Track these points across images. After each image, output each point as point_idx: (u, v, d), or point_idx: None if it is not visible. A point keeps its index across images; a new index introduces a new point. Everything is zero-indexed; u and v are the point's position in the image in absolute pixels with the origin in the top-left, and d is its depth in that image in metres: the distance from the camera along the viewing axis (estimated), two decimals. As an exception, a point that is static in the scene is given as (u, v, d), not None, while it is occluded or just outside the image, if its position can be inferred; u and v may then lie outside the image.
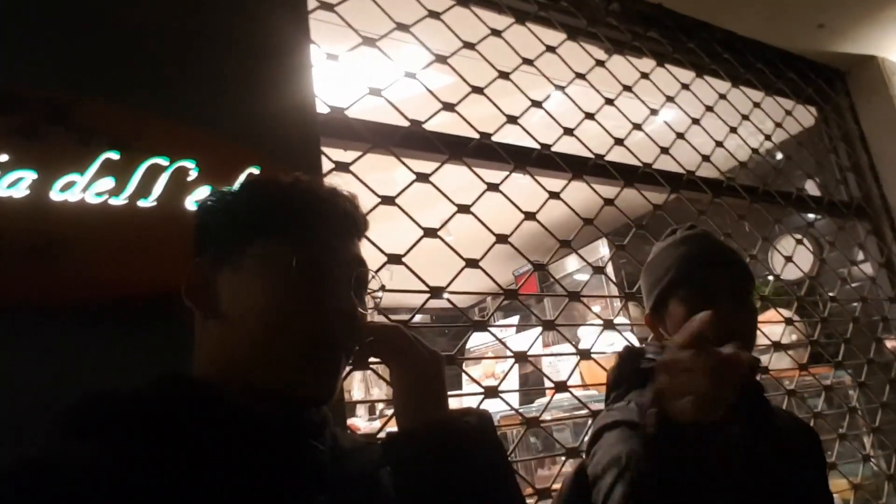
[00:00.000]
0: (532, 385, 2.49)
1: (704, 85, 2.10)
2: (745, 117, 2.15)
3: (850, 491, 1.78)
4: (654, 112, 1.89)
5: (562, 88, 1.70)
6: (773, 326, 1.98)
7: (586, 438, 1.02)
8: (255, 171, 0.99)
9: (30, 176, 0.83)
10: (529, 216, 1.50)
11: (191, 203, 0.94)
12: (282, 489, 0.58)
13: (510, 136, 1.55)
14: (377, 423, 2.81)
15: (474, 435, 0.66)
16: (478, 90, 1.52)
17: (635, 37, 1.98)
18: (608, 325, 1.58)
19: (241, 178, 0.97)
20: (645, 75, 1.93)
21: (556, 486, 1.17)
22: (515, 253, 1.45)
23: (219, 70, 1.10)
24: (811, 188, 2.40)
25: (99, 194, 0.88)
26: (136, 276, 0.89)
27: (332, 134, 1.26)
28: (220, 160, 0.99)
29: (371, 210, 1.02)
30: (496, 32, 1.62)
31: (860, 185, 2.47)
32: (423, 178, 1.36)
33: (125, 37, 1.03)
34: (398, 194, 1.30)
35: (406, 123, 1.38)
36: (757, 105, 2.20)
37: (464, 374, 1.48)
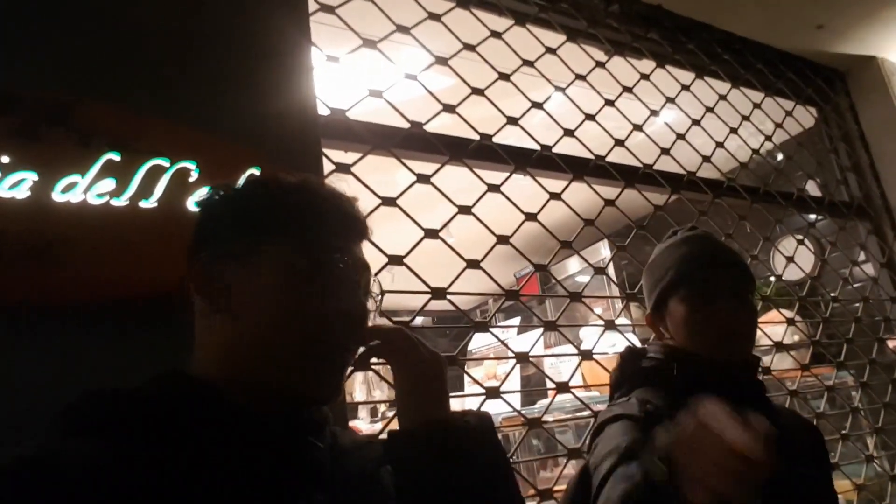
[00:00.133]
0: (534, 386, 2.49)
1: (704, 86, 2.10)
2: (746, 118, 2.15)
3: (854, 492, 1.77)
4: (654, 113, 1.89)
5: (562, 90, 1.70)
6: (775, 327, 1.98)
7: (588, 439, 1.02)
8: (256, 172, 0.99)
9: (31, 177, 0.83)
10: (530, 217, 1.49)
11: (192, 204, 0.94)
12: (281, 487, 0.58)
13: (511, 137, 1.55)
14: (379, 425, 2.80)
15: (474, 435, 0.66)
16: (478, 92, 1.52)
17: (635, 38, 1.98)
18: (610, 325, 1.58)
19: (242, 179, 0.97)
20: (645, 76, 1.93)
21: (558, 487, 1.17)
22: (516, 254, 1.45)
23: (219, 71, 1.10)
24: (812, 188, 2.40)
25: (100, 195, 0.88)
26: (137, 276, 0.89)
27: (333, 135, 1.27)
28: (221, 161, 0.99)
29: (372, 211, 1.02)
30: (496, 34, 1.62)
31: (861, 185, 2.47)
32: (423, 179, 1.36)
33: (125, 37, 1.03)
34: (399, 195, 1.30)
35: (407, 125, 1.38)
36: (757, 106, 2.20)
37: (465, 376, 1.48)
